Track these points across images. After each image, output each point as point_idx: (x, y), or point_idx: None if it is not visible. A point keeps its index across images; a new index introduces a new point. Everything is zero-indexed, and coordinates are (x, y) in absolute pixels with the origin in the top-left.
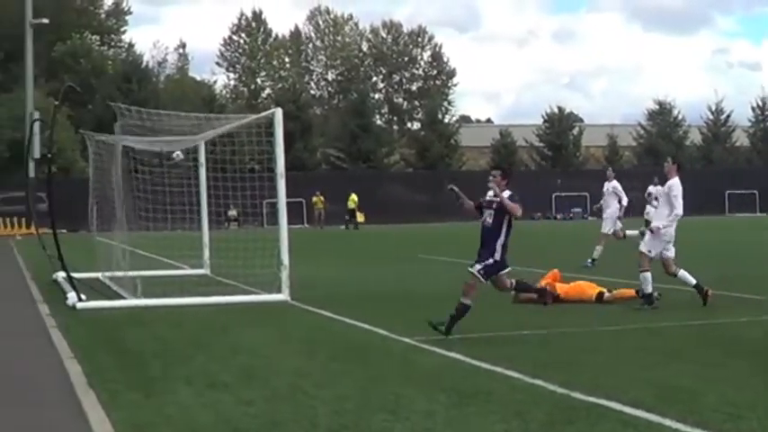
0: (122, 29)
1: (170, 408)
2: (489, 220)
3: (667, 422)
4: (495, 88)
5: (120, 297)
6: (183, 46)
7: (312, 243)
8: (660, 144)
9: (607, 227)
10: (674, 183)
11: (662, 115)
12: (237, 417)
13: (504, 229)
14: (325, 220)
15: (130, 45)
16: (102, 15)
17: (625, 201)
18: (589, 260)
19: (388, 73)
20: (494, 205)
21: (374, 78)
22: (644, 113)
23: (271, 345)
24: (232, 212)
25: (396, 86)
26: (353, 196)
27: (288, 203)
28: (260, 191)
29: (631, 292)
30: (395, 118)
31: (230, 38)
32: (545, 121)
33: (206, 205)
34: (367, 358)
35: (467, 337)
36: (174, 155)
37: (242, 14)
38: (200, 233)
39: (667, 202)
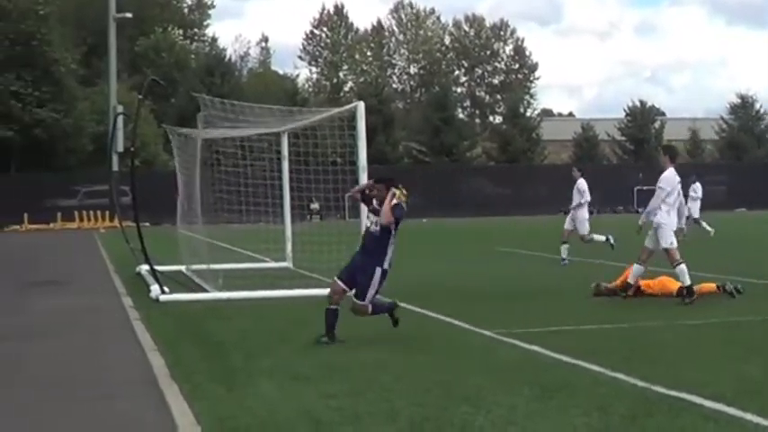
0: (205, 23)
1: (252, 400)
2: (377, 228)
3: (748, 416)
4: (576, 82)
5: (203, 290)
6: (266, 40)
7: None
8: (742, 138)
9: (583, 229)
10: (664, 175)
11: (744, 109)
12: (319, 409)
13: (391, 236)
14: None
15: (213, 39)
16: (185, 9)
17: (583, 200)
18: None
19: (470, 66)
20: (379, 213)
21: (456, 72)
22: (726, 107)
23: (352, 338)
24: (314, 205)
25: (478, 80)
26: (402, 190)
27: None
28: (342, 184)
29: (712, 286)
30: (477, 111)
31: (312, 32)
32: (627, 114)
33: (288, 198)
34: (448, 351)
35: (547, 330)
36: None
37: (324, 8)
38: (283, 226)
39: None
